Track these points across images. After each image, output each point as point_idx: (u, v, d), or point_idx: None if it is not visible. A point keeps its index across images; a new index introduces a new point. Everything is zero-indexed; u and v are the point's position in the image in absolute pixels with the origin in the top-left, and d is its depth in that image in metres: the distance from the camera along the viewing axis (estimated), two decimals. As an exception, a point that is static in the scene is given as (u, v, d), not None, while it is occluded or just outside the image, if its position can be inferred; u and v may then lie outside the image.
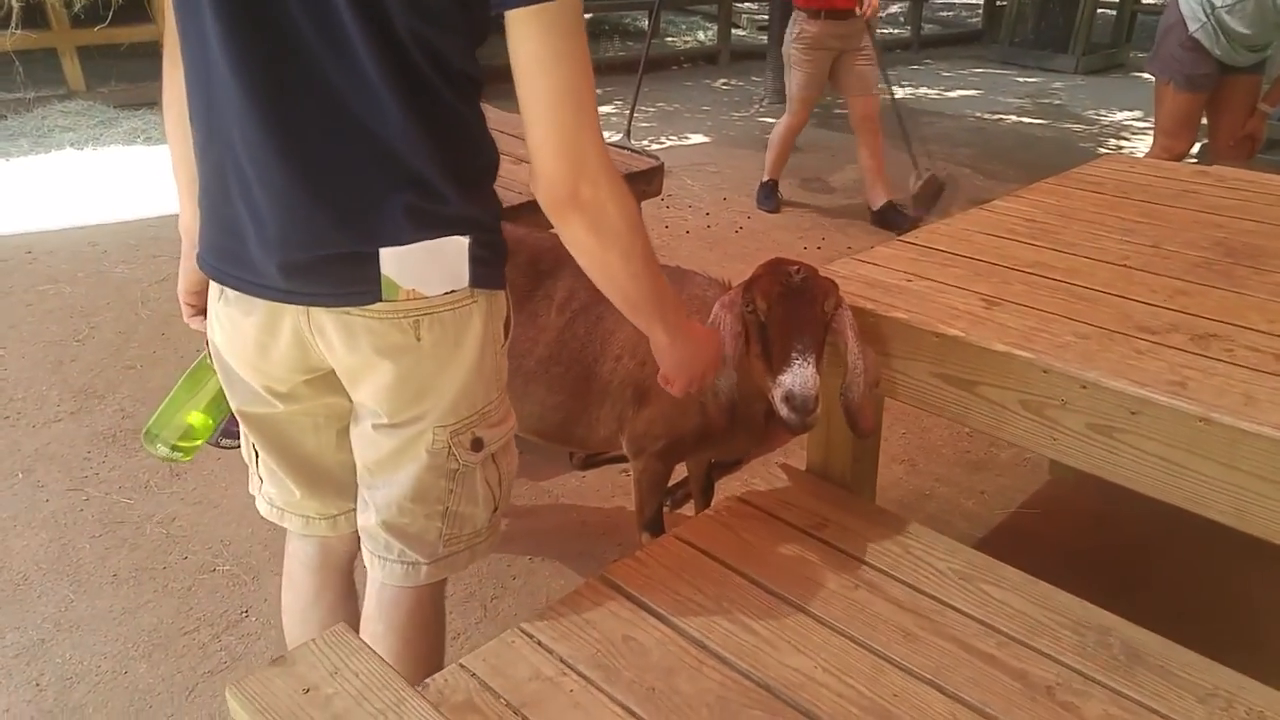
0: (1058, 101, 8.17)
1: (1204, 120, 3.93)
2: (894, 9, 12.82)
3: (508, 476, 1.38)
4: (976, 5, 12.59)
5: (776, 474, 2.68)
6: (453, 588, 2.35)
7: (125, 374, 3.30)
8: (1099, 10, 9.65)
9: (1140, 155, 6.63)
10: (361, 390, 1.25)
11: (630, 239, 1.14)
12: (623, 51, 9.59)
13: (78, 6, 5.92)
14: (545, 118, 1.05)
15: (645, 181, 3.06)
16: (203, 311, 1.37)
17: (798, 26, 4.53)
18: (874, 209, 4.85)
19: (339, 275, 1.15)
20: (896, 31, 11.49)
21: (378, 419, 1.27)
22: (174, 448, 1.55)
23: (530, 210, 2.82)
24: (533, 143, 1.07)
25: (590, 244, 1.13)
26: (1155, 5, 13.95)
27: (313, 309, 1.18)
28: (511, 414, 1.37)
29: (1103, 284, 1.66)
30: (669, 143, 6.52)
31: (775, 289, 1.47)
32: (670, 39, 10.30)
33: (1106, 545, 2.40)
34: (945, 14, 13.03)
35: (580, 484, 2.75)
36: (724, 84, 8.57)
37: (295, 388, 1.29)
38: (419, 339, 1.18)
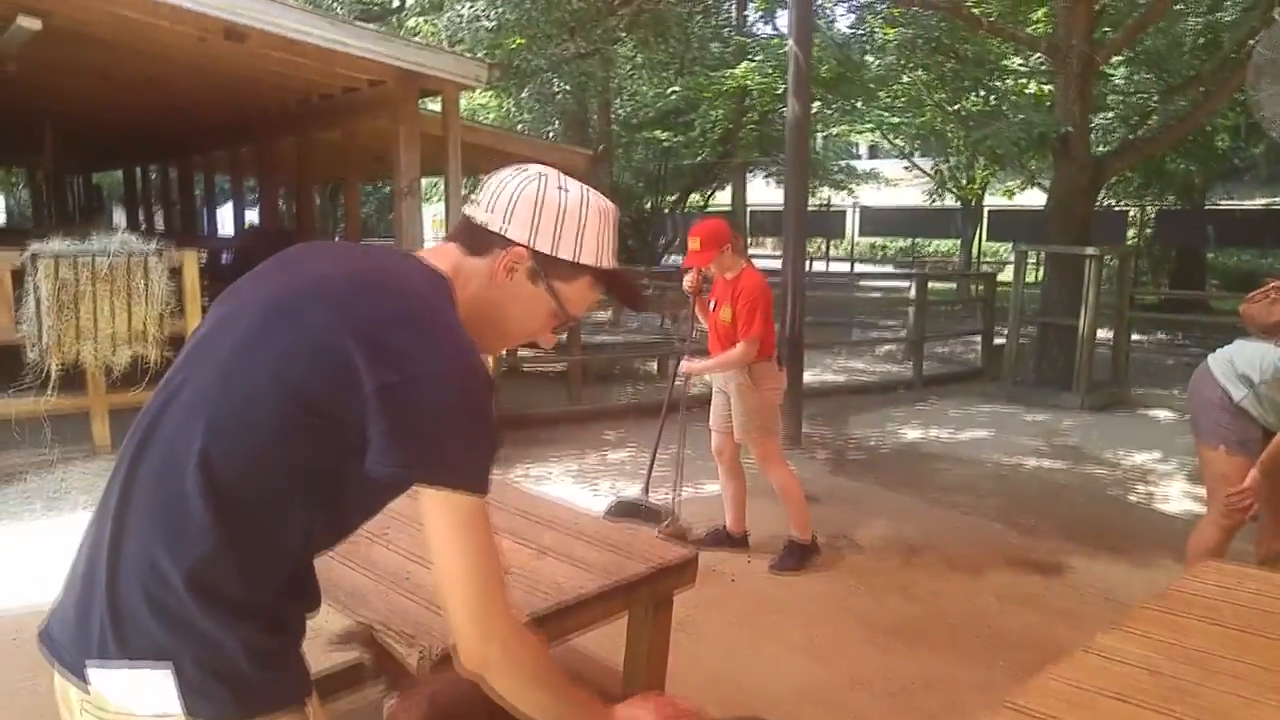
0: (1072, 441, 8.20)
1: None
2: (890, 346, 13.49)
3: None
4: (972, 342, 13.19)
5: None
6: None
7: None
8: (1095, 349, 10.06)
9: (1170, 501, 6.50)
10: None
11: (546, 679, 1.29)
12: (635, 397, 9.82)
13: (116, 372, 6.05)
14: (458, 595, 1.21)
15: (678, 574, 2.82)
16: None
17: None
18: (735, 534, 5.22)
19: (76, 634, 1.20)
20: (897, 369, 11.95)
21: None
22: None
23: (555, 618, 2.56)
24: (447, 611, 1.23)
25: (509, 690, 1.27)
26: (1143, 343, 14.74)
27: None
28: None
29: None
30: (686, 493, 6.39)
31: None
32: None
33: None
34: (941, 350, 13.63)
35: None
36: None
37: None
38: None
